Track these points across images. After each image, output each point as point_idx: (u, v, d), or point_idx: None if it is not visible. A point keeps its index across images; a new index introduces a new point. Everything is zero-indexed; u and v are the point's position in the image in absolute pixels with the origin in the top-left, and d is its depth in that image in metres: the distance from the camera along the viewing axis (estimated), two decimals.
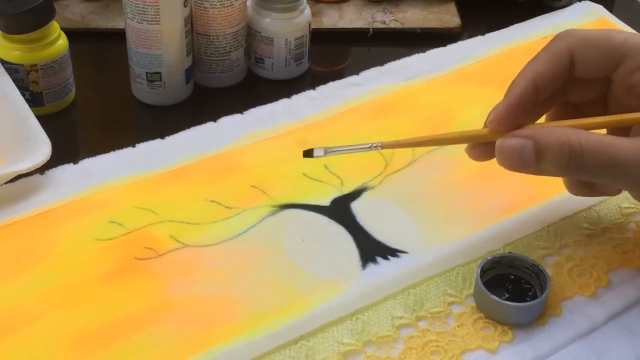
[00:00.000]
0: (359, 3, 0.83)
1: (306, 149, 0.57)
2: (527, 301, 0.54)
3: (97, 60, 0.79)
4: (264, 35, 0.73)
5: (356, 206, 0.62)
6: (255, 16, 0.73)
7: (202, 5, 0.70)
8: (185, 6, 0.69)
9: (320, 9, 0.82)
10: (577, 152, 0.49)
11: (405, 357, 0.52)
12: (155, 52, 0.69)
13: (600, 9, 0.83)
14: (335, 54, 0.81)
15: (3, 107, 0.65)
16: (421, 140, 0.56)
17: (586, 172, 0.50)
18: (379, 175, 0.64)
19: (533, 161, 0.50)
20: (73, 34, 0.72)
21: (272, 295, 0.55)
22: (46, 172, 0.63)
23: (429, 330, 0.53)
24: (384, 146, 0.55)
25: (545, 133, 0.50)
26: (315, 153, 0.56)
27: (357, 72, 0.74)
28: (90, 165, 0.64)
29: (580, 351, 0.53)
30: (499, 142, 0.51)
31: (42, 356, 0.51)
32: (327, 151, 0.56)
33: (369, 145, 0.55)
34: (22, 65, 0.68)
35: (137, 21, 0.68)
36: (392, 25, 0.80)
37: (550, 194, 0.63)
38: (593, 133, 0.50)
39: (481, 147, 0.55)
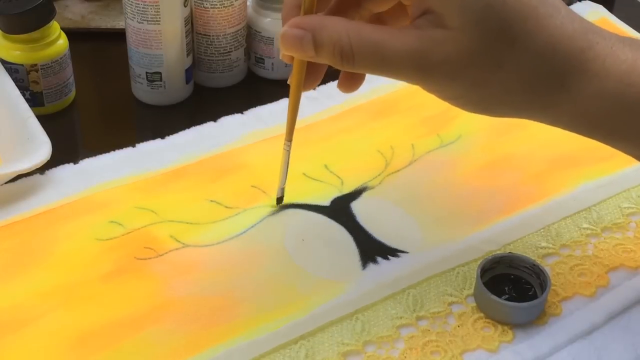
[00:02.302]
0: None
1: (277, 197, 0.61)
2: (527, 301, 0.54)
3: (97, 60, 0.79)
4: (264, 35, 0.73)
5: (356, 206, 0.62)
6: (255, 16, 0.73)
7: (202, 5, 0.70)
8: (185, 6, 0.69)
9: None
10: (347, 52, 0.48)
11: (405, 357, 0.52)
12: (155, 52, 0.69)
13: (600, 9, 0.83)
14: None
15: (3, 107, 0.65)
16: (290, 113, 0.56)
17: (360, 70, 0.49)
18: (379, 175, 0.64)
19: (313, 53, 0.49)
20: (73, 34, 0.72)
21: (272, 295, 0.55)
22: (46, 172, 0.63)
23: (429, 330, 0.53)
24: (288, 145, 0.57)
25: (321, 27, 0.48)
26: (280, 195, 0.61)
27: None
28: (90, 165, 0.64)
29: (580, 351, 0.53)
30: (282, 31, 0.50)
31: (42, 356, 0.51)
32: (280, 188, 0.60)
33: (285, 150, 0.57)
34: (22, 65, 0.68)
35: (137, 21, 0.68)
36: None
37: (550, 194, 0.63)
38: (368, 28, 0.48)
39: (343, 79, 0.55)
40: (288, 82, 0.54)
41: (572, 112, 0.50)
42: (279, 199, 0.61)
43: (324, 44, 0.48)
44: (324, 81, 0.73)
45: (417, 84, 0.49)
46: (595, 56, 0.48)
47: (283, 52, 0.51)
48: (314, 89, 0.56)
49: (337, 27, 0.48)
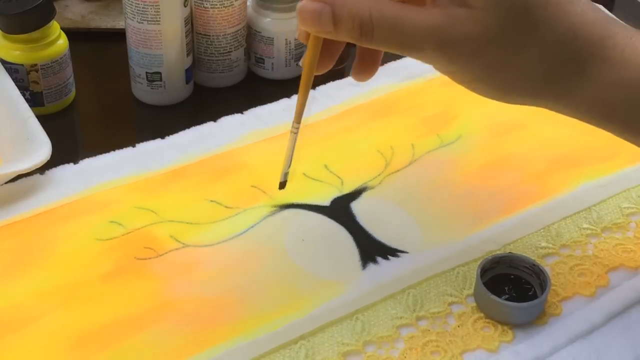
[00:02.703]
0: None
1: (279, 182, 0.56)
2: (527, 301, 0.54)
3: (97, 60, 0.79)
4: (264, 35, 0.73)
5: (356, 206, 0.62)
6: (255, 16, 0.73)
7: (202, 5, 0.70)
8: (185, 6, 0.69)
9: None
10: (367, 25, 0.47)
11: (405, 357, 0.52)
12: (155, 52, 0.69)
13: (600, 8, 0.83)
14: None
15: (3, 107, 0.65)
16: (301, 95, 0.54)
17: (378, 45, 0.48)
18: (379, 175, 0.64)
19: (331, 28, 0.48)
20: (73, 34, 0.72)
21: (272, 295, 0.55)
22: (46, 172, 0.63)
23: (429, 330, 0.53)
24: (296, 127, 0.54)
25: (342, 1, 0.48)
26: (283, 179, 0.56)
27: None
28: (90, 165, 0.64)
29: (580, 351, 0.53)
30: (300, 4, 0.49)
31: (42, 356, 0.51)
32: (284, 172, 0.56)
33: (292, 132, 0.54)
34: (22, 65, 0.68)
35: (137, 21, 0.68)
36: None
37: (550, 194, 0.63)
38: (389, 3, 0.47)
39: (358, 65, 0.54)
40: (300, 64, 0.53)
41: (589, 100, 0.50)
42: (282, 184, 0.57)
43: (344, 18, 0.47)
44: (324, 81, 0.73)
45: (434, 62, 0.49)
46: (614, 45, 0.48)
47: (300, 28, 0.50)
48: (327, 70, 0.55)
49: (358, 1, 0.47)
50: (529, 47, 0.48)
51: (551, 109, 0.51)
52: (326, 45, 0.52)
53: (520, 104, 0.51)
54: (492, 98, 0.51)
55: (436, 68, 0.50)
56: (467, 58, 0.48)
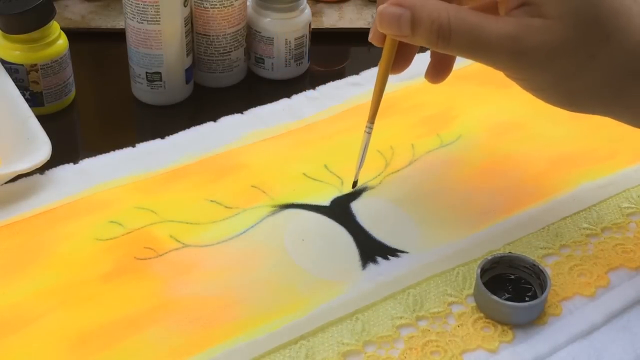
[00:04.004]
0: (359, 3, 0.83)
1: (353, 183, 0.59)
2: (527, 301, 0.54)
3: (97, 60, 0.79)
4: (264, 35, 0.73)
5: (356, 206, 0.62)
6: (255, 16, 0.73)
7: (202, 5, 0.70)
8: (185, 6, 0.69)
9: (320, 9, 0.82)
10: (445, 30, 0.49)
11: (405, 357, 0.52)
12: (155, 52, 0.69)
13: None
14: (335, 54, 0.81)
15: (3, 107, 0.65)
16: (375, 95, 0.57)
17: (453, 50, 0.50)
18: (379, 175, 0.64)
19: (409, 31, 0.50)
20: (73, 34, 0.72)
21: (272, 295, 0.55)
22: (46, 172, 0.63)
23: (429, 330, 0.53)
24: (370, 127, 0.57)
25: (421, 5, 0.50)
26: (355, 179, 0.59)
27: (357, 72, 0.74)
28: (90, 165, 0.64)
29: (580, 351, 0.53)
30: (380, 8, 0.51)
31: (42, 356, 0.51)
32: (358, 171, 0.58)
33: (366, 132, 0.57)
34: (22, 65, 0.68)
35: (137, 21, 0.68)
36: None
37: (550, 194, 0.63)
38: (466, 11, 0.50)
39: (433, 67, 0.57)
40: (378, 65, 0.55)
41: None
42: (354, 183, 0.59)
43: (423, 22, 0.49)
44: (325, 81, 0.73)
45: (506, 69, 0.51)
46: None
47: (377, 29, 0.52)
48: (401, 72, 0.57)
49: (437, 6, 0.49)
50: (600, 57, 0.49)
51: (619, 119, 0.53)
52: (400, 49, 0.54)
53: (589, 113, 0.53)
54: (561, 107, 0.52)
55: (507, 75, 0.52)
56: (539, 66, 0.49)
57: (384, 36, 0.54)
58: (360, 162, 0.58)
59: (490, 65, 0.51)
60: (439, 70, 0.58)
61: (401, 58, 0.56)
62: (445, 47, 0.50)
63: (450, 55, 0.57)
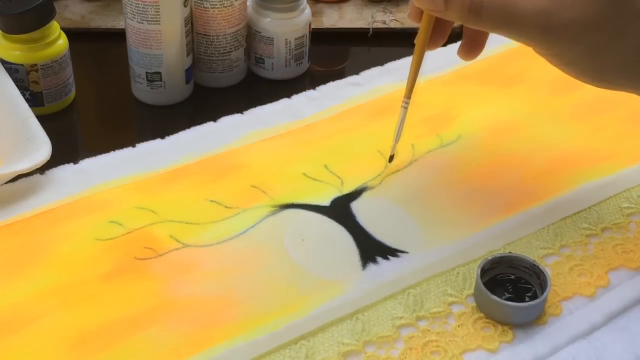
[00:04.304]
0: (359, 3, 0.83)
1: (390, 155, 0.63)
2: (527, 301, 0.54)
3: (97, 60, 0.79)
4: (264, 35, 0.73)
5: (356, 206, 0.62)
6: (255, 16, 0.73)
7: (202, 5, 0.70)
8: (185, 6, 0.69)
9: (320, 9, 0.82)
10: (477, 5, 0.51)
11: (405, 357, 0.52)
12: (155, 52, 0.69)
13: None
14: (335, 54, 0.81)
15: (3, 107, 0.65)
16: (413, 70, 0.58)
17: (485, 25, 0.52)
18: (379, 175, 0.64)
19: (442, 6, 0.52)
20: (73, 34, 0.72)
21: (272, 295, 0.55)
22: (46, 172, 0.63)
23: (429, 330, 0.53)
24: (407, 102, 0.59)
25: None
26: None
27: (357, 72, 0.74)
28: (90, 165, 0.64)
29: (580, 351, 0.53)
30: None
31: (42, 356, 0.51)
32: (394, 145, 0.61)
33: (403, 107, 0.60)
34: (22, 65, 0.68)
35: (137, 21, 0.68)
36: (392, 25, 0.80)
37: (550, 194, 0.63)
38: None
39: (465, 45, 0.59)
40: (415, 42, 0.57)
41: None
42: (391, 157, 0.63)
43: None
44: (325, 81, 0.73)
45: (536, 44, 0.52)
46: None
47: (411, 7, 0.54)
48: (438, 47, 0.59)
49: None
50: (628, 35, 0.51)
51: None
52: (436, 25, 0.56)
53: (615, 88, 0.54)
54: (587, 82, 0.54)
55: (536, 50, 0.53)
56: (569, 41, 0.51)
57: (421, 13, 0.56)
58: (397, 136, 0.60)
59: (521, 41, 0.52)
60: (471, 47, 0.59)
61: (437, 34, 0.57)
62: (477, 22, 0.51)
63: (483, 32, 0.58)
